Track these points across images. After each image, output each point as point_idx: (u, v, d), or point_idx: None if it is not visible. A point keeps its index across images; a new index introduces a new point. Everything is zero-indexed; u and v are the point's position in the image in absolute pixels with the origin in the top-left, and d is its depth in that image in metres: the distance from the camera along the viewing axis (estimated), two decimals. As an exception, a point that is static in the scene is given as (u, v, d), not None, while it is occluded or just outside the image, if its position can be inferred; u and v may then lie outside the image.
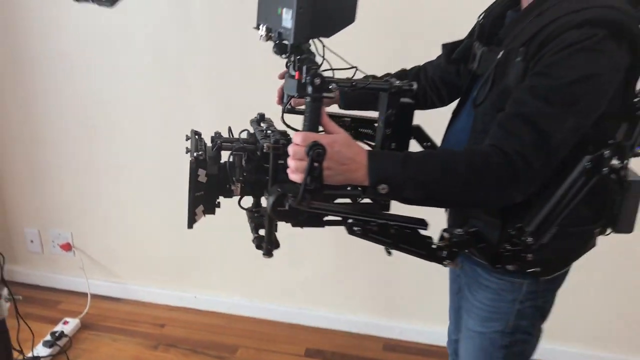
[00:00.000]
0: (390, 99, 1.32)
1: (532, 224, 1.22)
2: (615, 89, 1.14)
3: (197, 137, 1.37)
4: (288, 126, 1.33)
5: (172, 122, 2.63)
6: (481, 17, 1.40)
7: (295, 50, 1.16)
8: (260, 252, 1.33)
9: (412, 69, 1.65)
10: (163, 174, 2.77)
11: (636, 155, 1.35)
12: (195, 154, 1.26)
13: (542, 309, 1.40)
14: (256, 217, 1.40)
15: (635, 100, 1.25)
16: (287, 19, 1.10)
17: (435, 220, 1.27)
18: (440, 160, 1.12)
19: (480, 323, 1.41)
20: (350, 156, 1.10)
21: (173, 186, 2.76)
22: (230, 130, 1.44)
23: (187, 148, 1.32)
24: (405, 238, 1.21)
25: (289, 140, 1.21)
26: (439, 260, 1.24)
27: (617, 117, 1.22)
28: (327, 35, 1.18)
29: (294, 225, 1.23)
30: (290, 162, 1.11)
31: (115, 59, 2.59)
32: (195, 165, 1.25)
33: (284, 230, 1.34)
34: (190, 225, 1.30)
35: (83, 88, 2.67)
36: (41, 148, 2.78)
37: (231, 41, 2.43)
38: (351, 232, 1.18)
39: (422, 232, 1.23)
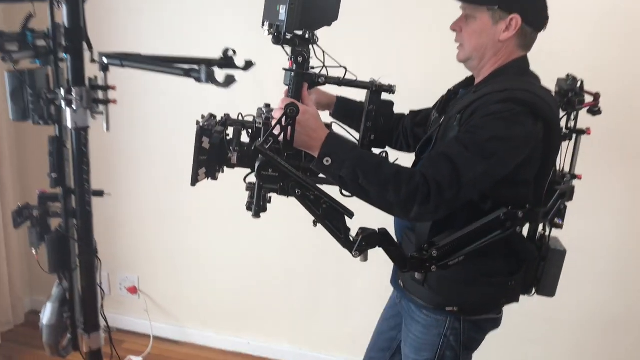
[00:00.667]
0: (372, 96, 1.61)
1: (443, 241, 1.46)
2: (530, 157, 1.41)
3: (211, 117, 1.63)
4: None
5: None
6: (445, 94, 1.70)
7: (288, 42, 1.41)
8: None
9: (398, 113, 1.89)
10: (227, 226, 3.00)
11: (556, 226, 1.64)
12: (200, 124, 1.52)
13: (466, 344, 1.61)
14: (251, 187, 1.62)
15: (564, 179, 1.60)
16: (282, 13, 1.38)
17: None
18: (378, 160, 1.37)
19: (415, 352, 1.66)
20: (314, 127, 1.38)
21: (236, 238, 2.97)
22: (240, 114, 1.67)
23: (197, 121, 1.55)
24: (332, 218, 1.41)
25: None
26: (350, 248, 1.44)
27: (535, 186, 1.49)
28: (313, 29, 1.44)
29: (279, 193, 1.43)
30: (273, 121, 1.37)
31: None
32: (200, 132, 1.51)
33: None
34: (193, 183, 1.53)
35: (156, 142, 2.97)
36: (117, 197, 3.06)
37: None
38: (293, 192, 1.39)
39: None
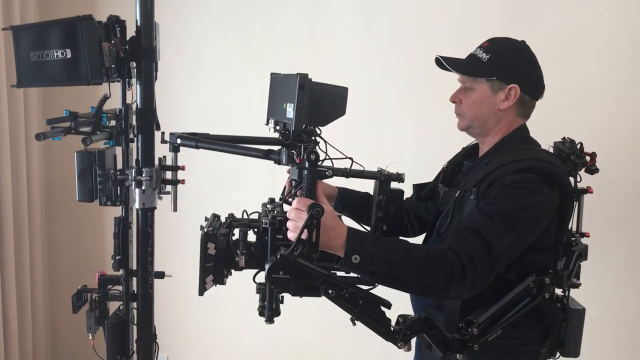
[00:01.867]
0: (381, 186, 1.58)
1: (481, 317, 1.44)
2: (549, 224, 1.43)
3: (215, 218, 1.59)
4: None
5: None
6: (445, 165, 1.74)
7: (297, 138, 1.39)
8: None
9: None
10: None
11: (574, 285, 1.64)
12: (205, 229, 1.47)
13: None
14: (262, 288, 1.56)
15: (572, 239, 1.63)
16: (290, 111, 1.38)
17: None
18: (404, 245, 1.34)
19: None
20: (333, 226, 1.34)
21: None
22: (245, 212, 1.65)
23: (201, 226, 1.50)
24: (370, 312, 1.37)
25: (287, 219, 1.39)
26: (394, 340, 1.39)
27: (555, 251, 1.50)
28: (322, 124, 1.45)
29: (292, 294, 1.40)
30: (289, 223, 1.34)
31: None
32: (205, 238, 1.46)
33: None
34: (201, 293, 1.47)
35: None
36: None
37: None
38: (325, 293, 1.35)
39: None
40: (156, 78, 1.63)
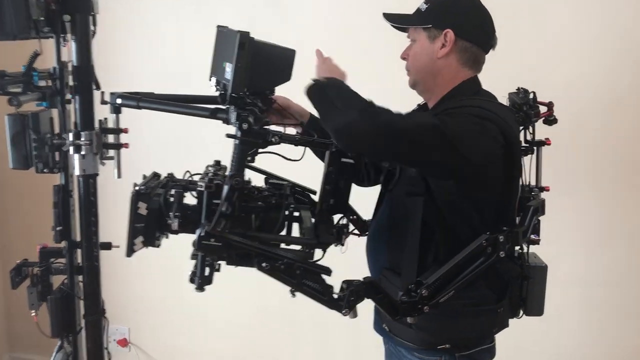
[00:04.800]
0: (332, 157, 1.43)
1: (431, 278, 1.35)
2: (494, 175, 1.36)
3: (155, 177, 1.47)
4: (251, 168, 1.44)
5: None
6: None
7: (235, 101, 1.29)
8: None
9: None
10: (223, 274, 2.81)
11: (533, 242, 1.57)
12: (137, 187, 1.35)
13: None
14: (196, 254, 1.44)
15: (532, 194, 1.56)
16: (229, 71, 1.27)
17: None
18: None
19: None
20: (339, 73, 1.47)
21: (233, 287, 2.81)
22: (188, 172, 1.51)
23: (134, 183, 1.38)
24: (309, 281, 1.30)
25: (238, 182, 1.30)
26: (338, 307, 1.31)
27: (510, 205, 1.45)
28: (263, 90, 1.35)
29: (227, 263, 1.33)
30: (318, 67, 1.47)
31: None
32: (135, 197, 1.34)
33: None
34: (128, 254, 1.36)
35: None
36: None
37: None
38: (259, 267, 1.28)
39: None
40: (95, 33, 1.50)
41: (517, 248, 1.55)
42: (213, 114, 1.35)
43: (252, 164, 1.42)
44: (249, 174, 1.46)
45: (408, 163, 1.39)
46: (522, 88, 1.61)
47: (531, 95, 1.59)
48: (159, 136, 2.73)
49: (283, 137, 1.38)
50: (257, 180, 1.52)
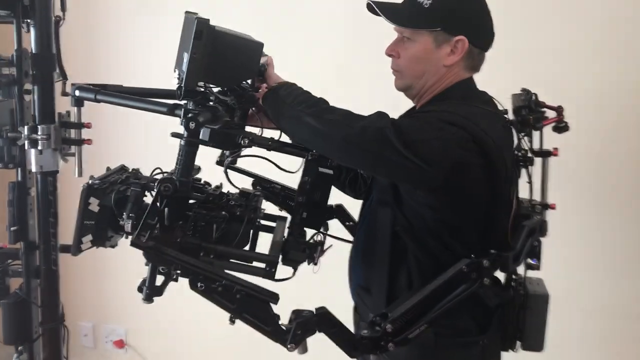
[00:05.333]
0: (308, 166, 1.27)
1: (397, 310, 1.17)
2: (469, 189, 1.19)
3: (122, 170, 1.34)
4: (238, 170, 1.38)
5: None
6: None
7: (189, 95, 1.16)
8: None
9: None
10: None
11: (531, 267, 1.36)
12: (90, 181, 1.23)
13: None
14: None
15: (526, 210, 1.36)
16: (185, 62, 1.13)
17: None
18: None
19: None
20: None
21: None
22: (159, 169, 1.36)
23: (90, 176, 1.26)
24: (251, 308, 1.15)
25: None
26: (283, 341, 1.16)
27: (501, 226, 1.26)
28: (223, 85, 1.23)
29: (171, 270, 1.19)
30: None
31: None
32: (86, 192, 1.21)
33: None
34: (74, 252, 1.24)
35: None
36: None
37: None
38: (193, 287, 1.15)
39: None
40: (63, 19, 1.39)
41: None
42: (171, 111, 1.21)
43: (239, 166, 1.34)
44: (221, 179, 1.34)
45: (362, 168, 1.33)
46: (525, 89, 1.39)
47: (533, 97, 1.36)
48: (143, 131, 2.62)
49: (254, 140, 1.23)
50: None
